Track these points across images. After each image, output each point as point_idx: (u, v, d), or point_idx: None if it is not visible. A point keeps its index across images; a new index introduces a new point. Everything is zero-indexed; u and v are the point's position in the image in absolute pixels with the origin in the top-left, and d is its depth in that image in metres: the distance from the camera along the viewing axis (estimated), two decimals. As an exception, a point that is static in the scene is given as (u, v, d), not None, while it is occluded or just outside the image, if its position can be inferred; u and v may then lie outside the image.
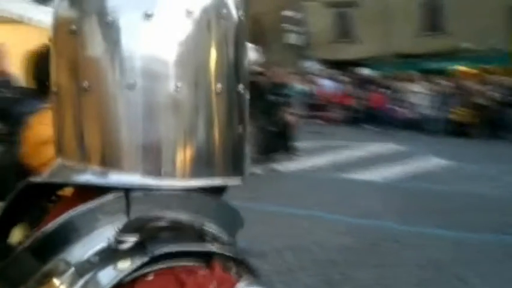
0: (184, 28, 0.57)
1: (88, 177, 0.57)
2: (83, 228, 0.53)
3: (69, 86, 0.58)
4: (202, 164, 0.60)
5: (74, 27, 0.56)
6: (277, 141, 9.28)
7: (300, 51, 22.36)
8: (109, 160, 0.57)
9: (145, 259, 0.49)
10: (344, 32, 22.44)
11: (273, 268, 4.52)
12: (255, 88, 8.65)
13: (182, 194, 0.58)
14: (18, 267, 0.54)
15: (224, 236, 0.59)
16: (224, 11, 0.61)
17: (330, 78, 17.34)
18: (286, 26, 22.47)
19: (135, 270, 0.49)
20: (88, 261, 0.51)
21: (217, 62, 0.60)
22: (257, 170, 8.50)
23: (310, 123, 15.14)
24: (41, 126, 2.26)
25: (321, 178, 8.17)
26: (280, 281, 4.26)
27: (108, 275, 0.49)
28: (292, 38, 22.40)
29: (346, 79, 16.58)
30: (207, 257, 0.52)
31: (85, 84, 0.56)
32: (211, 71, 0.60)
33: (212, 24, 0.60)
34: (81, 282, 0.50)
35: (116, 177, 0.56)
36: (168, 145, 0.57)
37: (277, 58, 20.01)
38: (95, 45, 0.56)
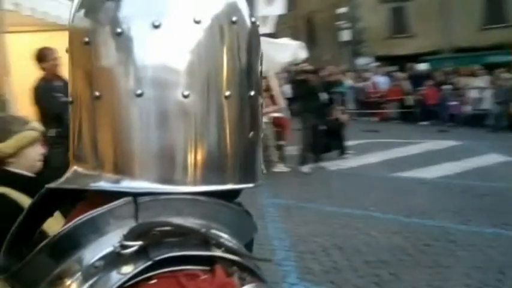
0: (193, 37, 0.59)
1: (101, 183, 0.59)
2: (94, 232, 0.55)
3: (84, 95, 0.61)
4: (211, 169, 0.61)
5: (86, 38, 0.59)
6: (329, 140, 9.19)
7: (354, 48, 22.01)
8: (121, 167, 0.59)
9: (148, 264, 0.51)
10: (399, 27, 21.87)
11: (322, 268, 4.50)
12: (306, 87, 8.60)
13: (192, 199, 0.59)
14: (33, 269, 0.56)
15: (233, 241, 0.59)
16: (235, 18, 0.62)
17: (385, 74, 16.96)
18: (340, 23, 22.18)
19: (138, 274, 0.51)
20: (93, 265, 0.53)
21: (226, 69, 0.61)
22: (309, 169, 8.46)
23: (363, 121, 14.88)
24: None
25: (375, 177, 8.02)
26: (328, 280, 4.23)
27: (111, 279, 0.51)
28: (346, 35, 22.08)
29: (402, 75, 16.15)
30: (210, 262, 0.54)
31: (97, 93, 0.59)
32: (221, 78, 0.61)
33: (222, 32, 0.61)
34: (85, 286, 0.52)
35: (126, 184, 0.58)
36: (177, 152, 0.59)
37: (331, 56, 19.79)
38: (106, 56, 0.58)
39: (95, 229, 0.55)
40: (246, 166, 0.65)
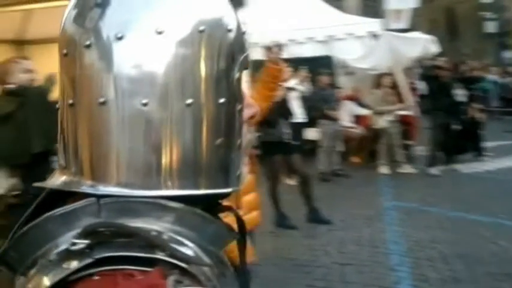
0: (154, 47, 0.61)
1: (68, 184, 0.64)
2: (63, 227, 0.59)
3: (62, 103, 0.66)
4: (171, 175, 0.63)
5: (65, 50, 0.64)
6: (463, 141, 8.56)
7: (500, 41, 20.15)
8: (89, 171, 0.63)
9: (89, 261, 0.55)
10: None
11: (439, 276, 4.23)
12: (437, 83, 8.10)
13: (152, 202, 0.61)
14: (6, 262, 0.61)
15: (187, 245, 0.60)
16: (202, 27, 0.63)
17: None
18: (484, 13, 20.47)
19: (81, 270, 0.54)
20: (50, 259, 0.57)
21: (189, 78, 0.62)
22: (438, 171, 7.98)
23: (508, 120, 13.56)
24: None
25: (512, 181, 7.30)
26: (444, 291, 3.97)
27: (57, 272, 0.55)
28: (491, 27, 20.31)
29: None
30: (153, 264, 0.56)
31: (71, 101, 0.64)
32: (182, 86, 0.62)
33: (186, 42, 0.62)
34: (36, 277, 0.57)
35: (90, 187, 0.62)
36: (137, 158, 0.62)
37: (471, 49, 18.37)
38: (77, 66, 0.63)
39: (63, 224, 0.60)
40: (213, 172, 0.66)
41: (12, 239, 0.62)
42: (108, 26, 0.61)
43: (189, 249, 0.60)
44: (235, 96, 0.67)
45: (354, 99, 9.25)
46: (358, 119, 9.17)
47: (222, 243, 0.67)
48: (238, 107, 0.68)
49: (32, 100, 3.13)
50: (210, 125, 0.65)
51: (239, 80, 0.68)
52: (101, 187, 0.62)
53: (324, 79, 8.41)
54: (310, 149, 8.43)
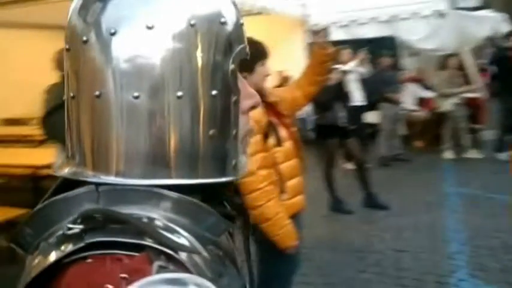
0: (144, 42, 0.64)
1: (73, 173, 0.68)
2: (65, 212, 0.64)
3: (66, 95, 0.70)
4: (164, 165, 0.66)
5: (67, 45, 0.68)
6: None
7: None
8: (91, 162, 0.67)
9: (81, 245, 0.58)
10: None
11: (498, 266, 4.07)
12: (507, 64, 7.67)
13: (145, 190, 0.65)
14: (18, 242, 0.66)
15: (179, 232, 0.63)
16: (193, 21, 0.65)
17: None
18: None
19: (73, 253, 0.58)
20: (49, 242, 0.62)
21: (180, 71, 0.65)
22: (506, 157, 7.58)
23: None
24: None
25: None
26: (504, 281, 3.81)
27: (52, 254, 0.59)
28: None
29: None
30: (141, 249, 0.59)
31: (72, 94, 0.68)
32: (173, 79, 0.64)
33: (176, 36, 0.64)
34: (38, 258, 0.61)
35: (93, 176, 0.66)
36: (134, 149, 0.65)
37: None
38: (77, 60, 0.67)
39: (65, 209, 0.64)
40: (207, 162, 0.68)
41: (24, 221, 0.67)
42: (106, 21, 0.65)
43: (180, 236, 0.63)
44: (229, 88, 0.69)
45: (418, 81, 8.95)
46: (422, 102, 8.87)
47: (218, 231, 0.68)
48: (234, 98, 0.70)
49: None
50: (202, 116, 0.67)
51: (234, 71, 0.69)
52: (102, 176, 0.66)
53: (386, 61, 8.18)
54: (371, 133, 8.27)
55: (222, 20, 0.68)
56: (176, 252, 0.59)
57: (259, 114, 2.47)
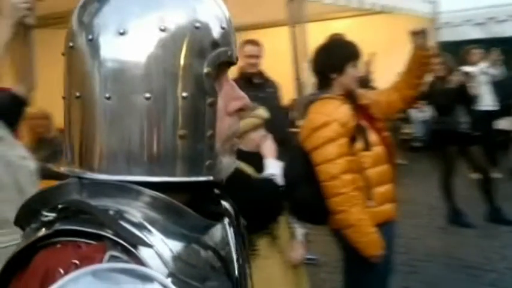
0: (117, 47, 0.67)
1: (66, 169, 0.73)
2: (46, 203, 0.69)
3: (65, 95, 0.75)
4: (134, 163, 0.68)
5: (71, 43, 0.72)
6: None
7: None
8: (78, 160, 0.72)
9: (49, 231, 0.63)
10: None
11: None
12: None
13: (120, 185, 0.68)
14: (22, 220, 0.72)
15: (147, 227, 0.66)
16: (163, 26, 0.67)
17: None
18: None
19: (45, 238, 0.63)
20: (31, 228, 0.68)
21: (149, 74, 0.67)
22: None
23: None
24: (315, 114, 2.50)
25: None
26: None
27: (30, 239, 0.65)
28: None
29: None
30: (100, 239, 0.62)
31: (63, 94, 0.73)
32: (141, 82, 0.67)
33: (147, 40, 0.67)
34: (21, 241, 0.67)
35: (78, 172, 0.71)
36: (109, 148, 0.68)
37: None
38: (65, 63, 0.72)
39: (51, 199, 0.69)
40: (175, 161, 0.69)
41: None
42: (85, 29, 0.69)
43: (148, 231, 0.65)
44: (203, 90, 0.70)
45: None
46: None
47: (198, 229, 0.71)
48: (209, 100, 0.70)
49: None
50: (170, 117, 0.68)
51: (209, 74, 0.70)
52: (88, 173, 0.70)
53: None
54: (502, 141, 7.54)
55: (197, 24, 0.69)
56: (134, 245, 0.62)
57: (346, 117, 2.40)
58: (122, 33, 0.67)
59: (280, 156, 2.46)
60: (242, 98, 0.76)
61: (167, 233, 0.67)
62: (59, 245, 0.63)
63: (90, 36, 0.68)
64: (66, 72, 0.73)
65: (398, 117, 6.96)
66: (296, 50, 4.90)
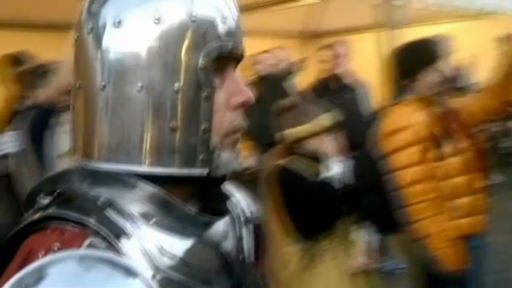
0: (113, 38, 0.68)
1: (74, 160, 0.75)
2: (47, 188, 0.72)
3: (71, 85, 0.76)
4: (125, 153, 0.69)
5: (77, 34, 0.73)
6: None
7: None
8: (81, 149, 0.73)
9: (41, 215, 0.66)
10: None
11: None
12: None
13: (116, 175, 0.69)
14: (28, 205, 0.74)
15: (134, 216, 0.67)
16: (158, 17, 0.67)
17: None
18: None
19: (38, 221, 0.66)
20: (29, 212, 0.70)
21: (142, 66, 0.67)
22: None
23: None
24: (389, 120, 2.40)
25: None
26: None
27: (27, 221, 0.68)
28: None
29: None
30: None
31: (71, 84, 0.75)
32: (134, 73, 0.67)
33: (141, 32, 0.67)
34: (22, 223, 0.69)
35: (81, 160, 0.73)
36: (104, 138, 0.69)
37: None
38: (73, 53, 0.74)
39: (55, 183, 0.72)
40: (168, 153, 0.69)
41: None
42: (86, 21, 0.71)
43: (130, 221, 0.66)
44: (198, 83, 0.69)
45: None
46: None
47: (194, 224, 0.71)
48: (204, 93, 0.69)
49: (269, 87, 3.46)
50: (162, 108, 0.68)
51: (205, 67, 0.69)
52: (88, 162, 0.71)
53: None
54: None
55: (193, 17, 0.68)
56: (114, 234, 0.63)
57: (421, 124, 2.28)
58: (117, 24, 0.68)
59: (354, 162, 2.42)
60: (245, 93, 0.74)
61: (160, 226, 0.68)
62: (48, 230, 0.65)
63: (90, 27, 0.70)
64: (73, 63, 0.75)
65: (496, 129, 6.48)
66: (382, 56, 4.75)
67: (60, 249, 0.60)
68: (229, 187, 0.89)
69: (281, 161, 2.38)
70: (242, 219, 0.84)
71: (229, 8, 0.72)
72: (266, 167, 2.48)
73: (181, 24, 0.68)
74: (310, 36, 7.68)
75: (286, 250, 2.34)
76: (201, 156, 0.70)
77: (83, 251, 0.60)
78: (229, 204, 0.81)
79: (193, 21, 0.68)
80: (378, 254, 2.79)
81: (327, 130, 2.36)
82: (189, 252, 0.69)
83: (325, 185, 2.28)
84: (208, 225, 0.73)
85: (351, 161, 2.43)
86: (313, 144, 2.34)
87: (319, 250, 2.29)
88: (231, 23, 0.72)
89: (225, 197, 0.81)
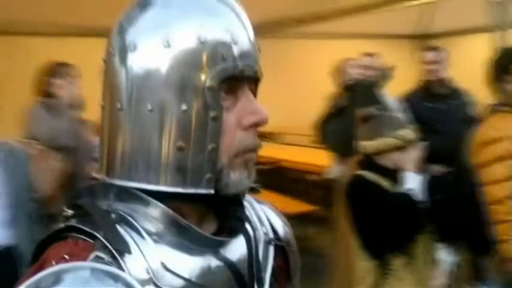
0: (128, 62, 0.72)
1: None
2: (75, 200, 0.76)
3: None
4: (135, 171, 0.72)
5: (105, 57, 0.77)
6: None
7: None
8: (105, 167, 0.77)
9: (62, 226, 0.72)
10: None
11: None
12: None
13: (131, 192, 0.72)
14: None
15: (141, 233, 0.70)
16: (167, 41, 0.70)
17: None
18: None
19: (58, 232, 0.72)
20: (62, 219, 0.75)
21: (151, 88, 0.70)
22: None
23: None
24: (487, 128, 2.23)
25: None
26: None
27: (48, 233, 0.73)
28: None
29: None
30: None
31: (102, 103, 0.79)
32: (145, 95, 0.71)
33: (151, 55, 0.70)
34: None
35: (103, 176, 0.77)
36: (122, 156, 0.73)
37: None
38: (103, 72, 0.78)
39: (80, 197, 0.77)
40: (174, 172, 0.71)
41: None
42: (111, 43, 0.75)
43: (138, 237, 0.69)
44: (206, 104, 0.70)
45: None
46: None
47: (202, 243, 0.72)
48: (212, 114, 0.71)
49: (358, 95, 3.33)
50: (170, 129, 0.71)
51: (212, 88, 0.70)
52: (109, 178, 0.75)
53: None
54: None
55: (202, 39, 0.70)
56: (120, 249, 0.66)
57: None
58: (133, 48, 0.72)
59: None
60: (259, 112, 0.74)
61: (169, 244, 0.70)
62: (68, 240, 0.70)
63: (114, 50, 0.74)
64: (102, 83, 0.79)
65: None
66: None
67: (68, 260, 0.64)
68: (262, 206, 0.90)
69: (359, 172, 2.31)
70: (263, 239, 0.84)
71: (243, 29, 0.73)
72: (343, 178, 2.41)
73: (190, 46, 0.70)
74: (420, 37, 7.33)
75: (361, 265, 2.27)
76: (207, 176, 0.71)
77: (93, 263, 0.64)
78: (248, 224, 0.80)
79: (202, 43, 0.70)
80: (472, 276, 2.61)
81: (409, 144, 2.25)
82: (197, 271, 0.70)
83: (406, 197, 2.17)
84: (221, 244, 0.74)
85: (430, 177, 2.30)
86: (392, 158, 2.25)
87: (393, 265, 2.19)
88: (244, 44, 0.72)
89: (243, 216, 0.80)
